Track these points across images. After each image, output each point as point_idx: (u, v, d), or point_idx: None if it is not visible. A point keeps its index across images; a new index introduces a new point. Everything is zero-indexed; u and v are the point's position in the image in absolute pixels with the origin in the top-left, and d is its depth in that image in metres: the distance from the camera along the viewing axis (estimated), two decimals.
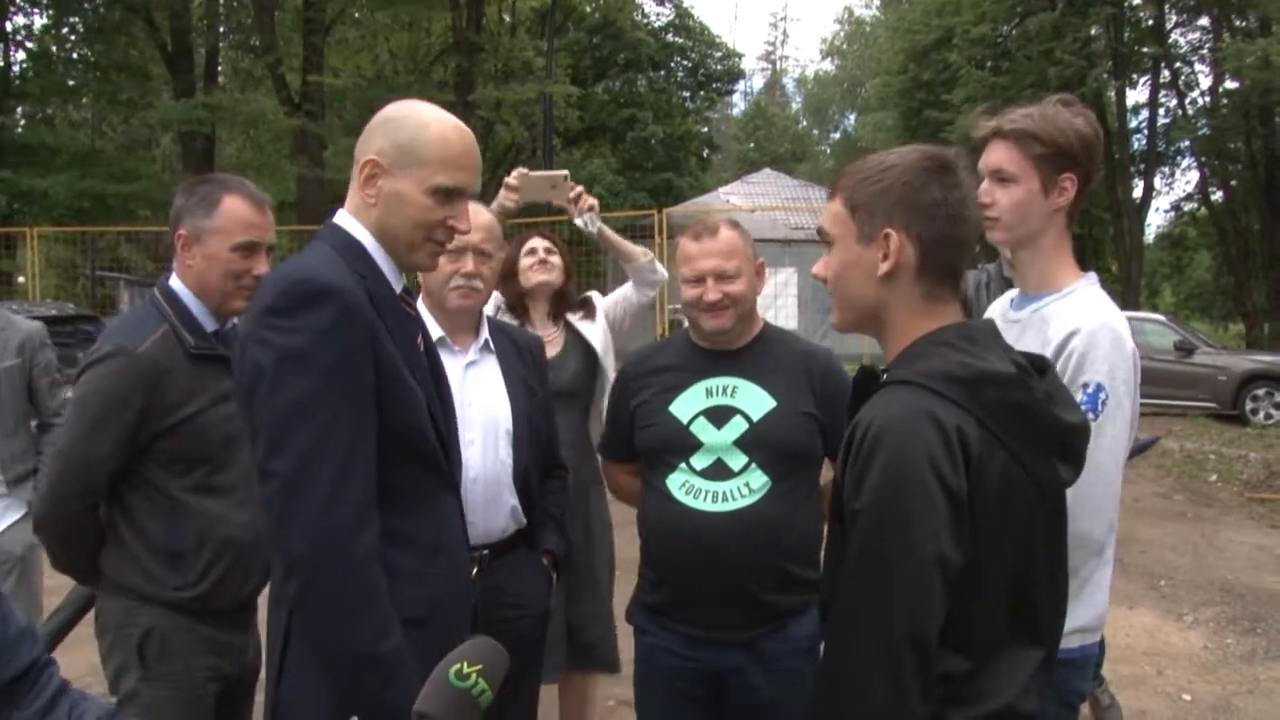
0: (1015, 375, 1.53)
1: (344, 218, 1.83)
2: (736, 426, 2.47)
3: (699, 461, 2.47)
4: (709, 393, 2.52)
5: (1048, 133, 2.05)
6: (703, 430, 2.48)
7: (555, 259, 3.44)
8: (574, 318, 3.50)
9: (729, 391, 2.51)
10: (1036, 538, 1.56)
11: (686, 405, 2.52)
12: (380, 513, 1.70)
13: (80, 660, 4.36)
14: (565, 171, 3.33)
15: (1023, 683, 1.54)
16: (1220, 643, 5.42)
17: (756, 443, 2.45)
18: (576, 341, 3.47)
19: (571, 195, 3.32)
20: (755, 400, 2.49)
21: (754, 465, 2.44)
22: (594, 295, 3.63)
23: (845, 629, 1.51)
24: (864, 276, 1.62)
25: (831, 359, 2.65)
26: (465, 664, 1.39)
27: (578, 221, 3.36)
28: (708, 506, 2.43)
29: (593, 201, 3.34)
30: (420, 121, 1.80)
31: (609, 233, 3.43)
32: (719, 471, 2.46)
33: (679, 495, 2.47)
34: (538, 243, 3.46)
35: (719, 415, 2.49)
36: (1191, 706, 4.57)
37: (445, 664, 1.41)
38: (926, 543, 1.43)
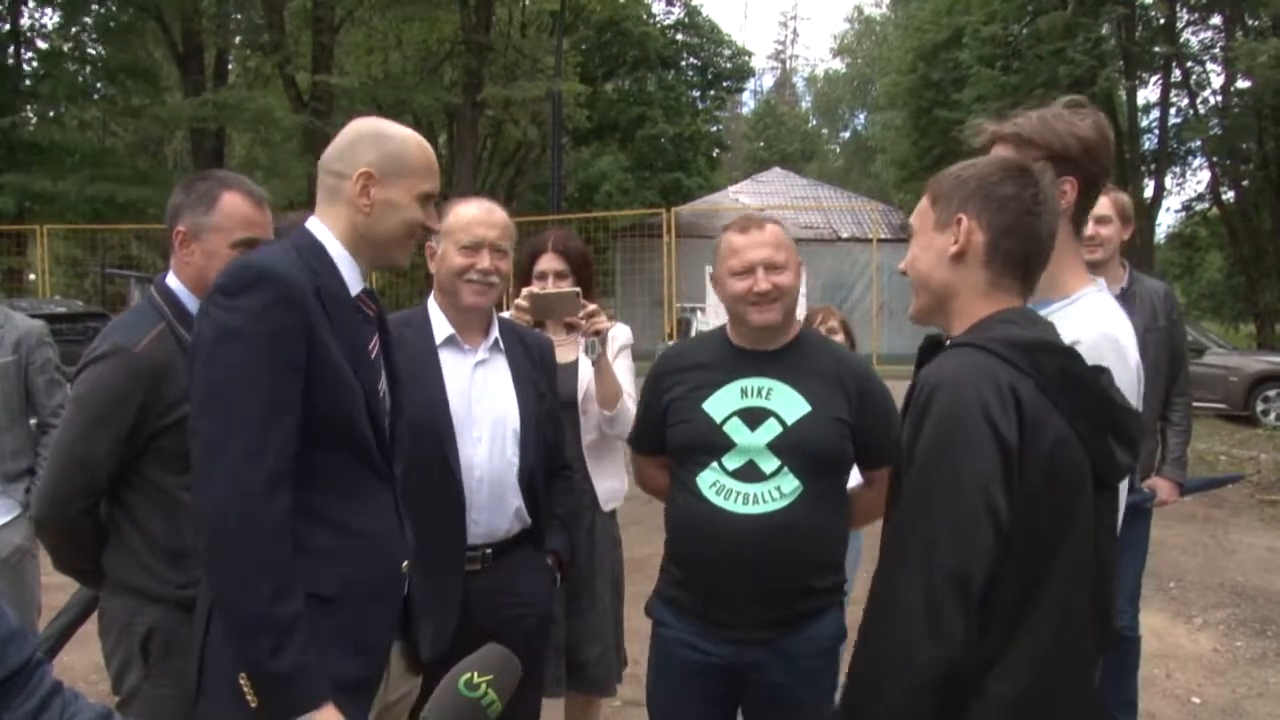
0: (1073, 349, 1.64)
1: (314, 223, 1.97)
2: (770, 429, 2.44)
3: (731, 462, 2.45)
4: (744, 393, 2.49)
5: (1043, 136, 2.03)
6: (736, 431, 2.46)
7: (565, 284, 3.25)
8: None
9: (764, 393, 2.48)
10: (1088, 513, 1.62)
11: (720, 404, 2.49)
12: (303, 490, 1.80)
13: (85, 659, 4.37)
14: (577, 289, 3.16)
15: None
16: (1230, 645, 5.39)
17: (789, 447, 2.43)
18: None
19: (582, 314, 3.13)
20: (790, 403, 2.46)
21: (786, 469, 2.42)
22: (617, 331, 3.37)
23: (891, 566, 1.59)
24: (936, 258, 1.76)
25: (868, 366, 2.64)
26: (475, 674, 1.38)
27: (581, 341, 3.22)
28: (738, 508, 2.41)
29: (602, 326, 3.16)
30: (401, 136, 2.00)
31: (606, 364, 3.21)
32: (751, 473, 2.43)
33: (709, 495, 2.45)
34: (548, 265, 3.30)
35: (753, 417, 2.46)
36: (1201, 709, 4.55)
37: (455, 672, 1.40)
38: (972, 488, 1.50)
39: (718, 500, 2.43)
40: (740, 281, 2.46)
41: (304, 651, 1.73)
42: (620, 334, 3.37)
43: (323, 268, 1.90)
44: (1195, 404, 4.37)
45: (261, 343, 1.76)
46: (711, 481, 2.46)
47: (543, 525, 2.66)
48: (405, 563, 2.01)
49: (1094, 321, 1.99)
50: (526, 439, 2.58)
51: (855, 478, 2.69)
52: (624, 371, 3.33)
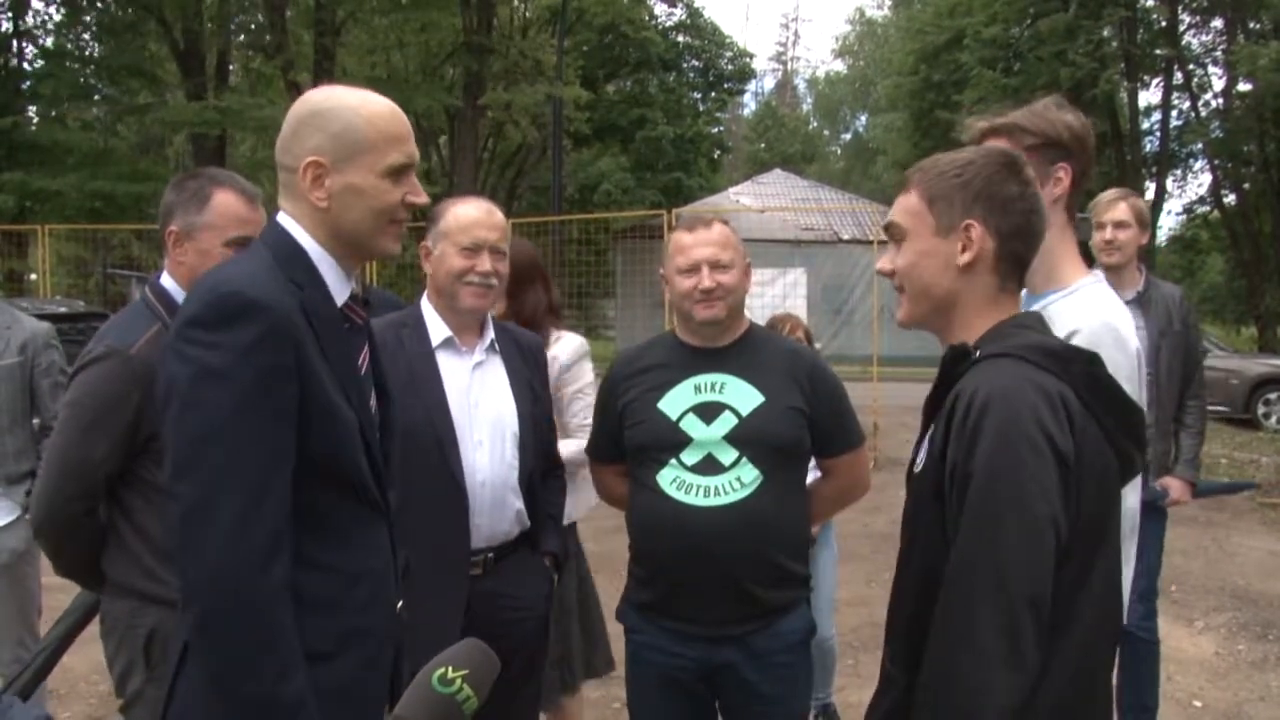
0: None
1: (287, 220, 1.73)
2: (726, 422, 2.48)
3: (689, 457, 2.49)
4: (697, 389, 2.53)
5: (1036, 124, 2.06)
6: (692, 426, 2.50)
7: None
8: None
9: (717, 388, 2.53)
10: (1117, 517, 1.61)
11: (675, 402, 2.53)
12: (299, 538, 1.60)
13: (86, 661, 4.37)
14: None
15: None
16: (1232, 649, 5.38)
17: (746, 438, 2.47)
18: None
19: None
20: (743, 396, 2.51)
21: (745, 460, 2.46)
22: (558, 350, 3.25)
23: (962, 594, 1.50)
24: (941, 267, 1.67)
25: (817, 357, 2.69)
26: (450, 669, 1.32)
27: None
28: (700, 501, 2.45)
29: None
30: (349, 107, 1.70)
31: None
32: (709, 466, 2.47)
33: (670, 491, 2.48)
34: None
35: (708, 411, 2.50)
36: (1203, 713, 4.54)
37: (429, 668, 1.33)
38: (1039, 504, 1.46)
39: (679, 495, 2.47)
40: (687, 279, 2.52)
41: None
42: (562, 351, 3.24)
43: (306, 278, 1.67)
44: None
45: (248, 386, 1.53)
46: (672, 478, 2.49)
47: (538, 527, 2.66)
48: (399, 604, 1.84)
49: (1093, 310, 2.01)
50: (525, 441, 2.58)
51: (813, 474, 2.72)
52: (586, 377, 3.29)
